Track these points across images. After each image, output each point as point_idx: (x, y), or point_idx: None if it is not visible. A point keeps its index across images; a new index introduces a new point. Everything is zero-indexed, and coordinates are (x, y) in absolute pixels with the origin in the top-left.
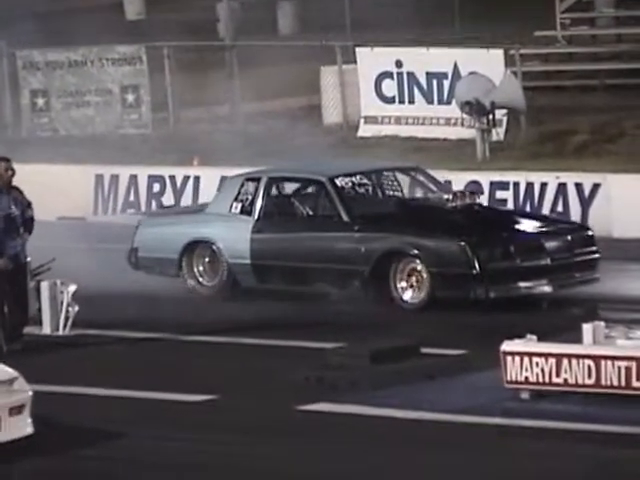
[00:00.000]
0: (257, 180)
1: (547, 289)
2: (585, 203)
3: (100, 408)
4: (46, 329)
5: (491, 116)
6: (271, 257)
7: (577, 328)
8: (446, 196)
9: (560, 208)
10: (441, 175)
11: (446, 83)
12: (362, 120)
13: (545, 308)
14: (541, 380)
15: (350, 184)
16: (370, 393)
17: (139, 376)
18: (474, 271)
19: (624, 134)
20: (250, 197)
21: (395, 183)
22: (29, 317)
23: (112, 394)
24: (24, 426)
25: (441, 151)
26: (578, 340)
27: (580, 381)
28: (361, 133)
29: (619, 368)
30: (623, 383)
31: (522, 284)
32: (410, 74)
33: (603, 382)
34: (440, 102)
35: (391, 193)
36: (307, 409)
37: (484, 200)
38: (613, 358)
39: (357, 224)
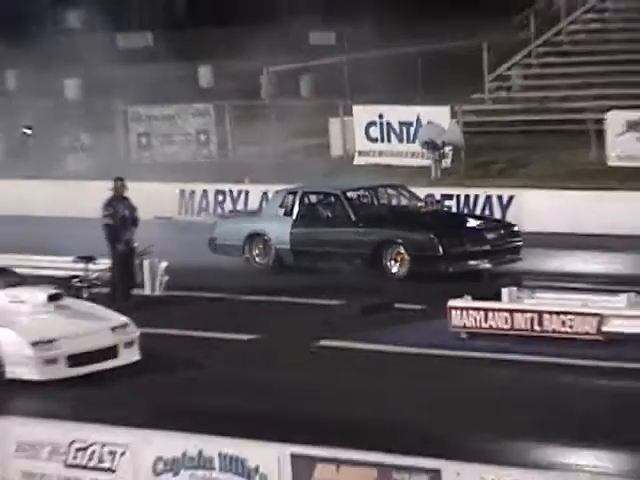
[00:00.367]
0: (294, 193)
1: (487, 266)
2: (504, 208)
3: (182, 344)
4: (147, 291)
5: (441, 151)
6: (304, 244)
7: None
8: (420, 204)
9: (487, 212)
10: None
11: (412, 129)
12: (357, 153)
13: (485, 279)
14: (474, 325)
15: (356, 196)
16: (360, 334)
17: (209, 322)
18: (439, 254)
19: (531, 163)
20: (290, 204)
21: (386, 195)
22: (135, 283)
23: (191, 334)
24: (134, 355)
25: (408, 174)
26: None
27: (500, 326)
28: (356, 162)
29: (526, 318)
30: (529, 327)
31: (471, 262)
32: (388, 123)
33: (516, 326)
34: (408, 141)
35: (383, 202)
36: (319, 345)
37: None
38: (522, 311)
39: (361, 222)
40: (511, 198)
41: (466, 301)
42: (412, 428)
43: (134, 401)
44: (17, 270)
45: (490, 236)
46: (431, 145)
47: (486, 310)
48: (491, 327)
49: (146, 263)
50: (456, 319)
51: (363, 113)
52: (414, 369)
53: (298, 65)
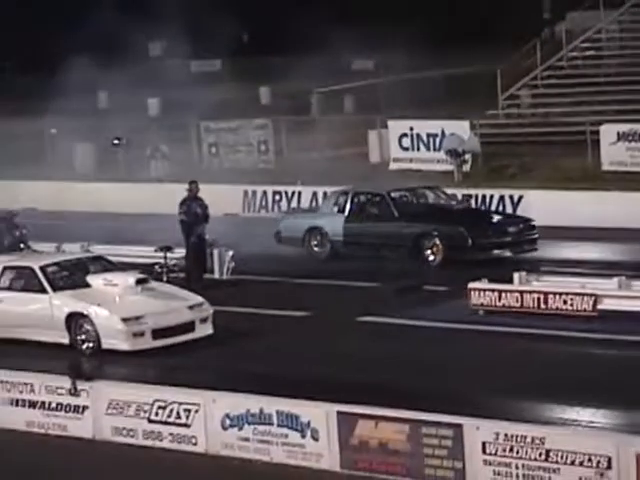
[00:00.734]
0: (346, 193)
1: (509, 254)
2: (515, 206)
3: (248, 319)
4: (216, 275)
5: (462, 158)
6: (354, 237)
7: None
8: (452, 202)
9: (500, 209)
10: None
11: (437, 139)
12: (391, 160)
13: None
14: (490, 304)
15: (398, 195)
16: (394, 311)
17: (270, 301)
18: (468, 244)
19: (537, 168)
20: (343, 203)
21: (424, 195)
22: (207, 269)
23: (255, 311)
24: (208, 329)
25: (435, 178)
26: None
27: (512, 304)
28: (391, 167)
29: (533, 297)
30: (536, 305)
31: (495, 251)
32: (418, 134)
33: (525, 305)
34: (434, 150)
35: (421, 200)
36: (361, 320)
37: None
38: (530, 292)
39: (403, 218)
40: (520, 197)
41: (483, 283)
42: (438, 390)
43: (207, 367)
44: (110, 258)
45: (511, 229)
46: (453, 153)
47: (500, 291)
48: (504, 305)
49: (215, 252)
50: (475, 298)
51: (396, 126)
52: (439, 341)
53: (342, 86)
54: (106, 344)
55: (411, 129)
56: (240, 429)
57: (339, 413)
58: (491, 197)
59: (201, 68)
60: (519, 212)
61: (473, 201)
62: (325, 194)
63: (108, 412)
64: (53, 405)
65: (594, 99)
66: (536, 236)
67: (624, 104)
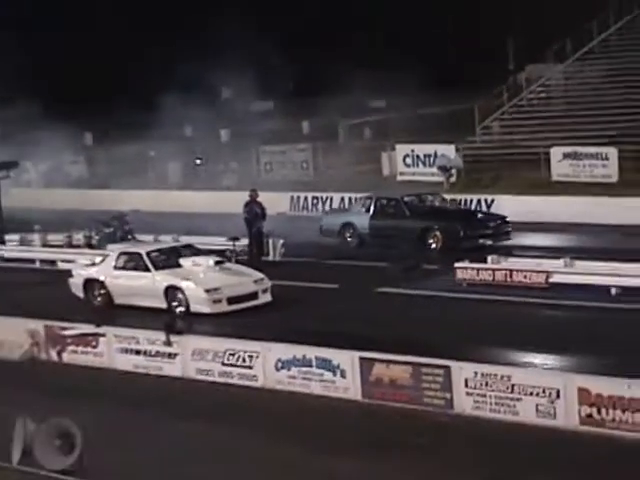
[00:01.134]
0: (371, 198)
1: (490, 243)
2: (488, 207)
3: (295, 290)
4: (270, 258)
5: (450, 172)
6: (377, 230)
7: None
8: (448, 204)
9: (479, 209)
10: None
11: (431, 158)
12: (398, 174)
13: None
14: (471, 278)
15: (409, 199)
16: (402, 284)
17: (312, 276)
18: (461, 235)
19: (504, 179)
20: (368, 205)
21: (428, 199)
22: (264, 253)
23: (300, 284)
24: (267, 297)
25: (430, 187)
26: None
27: (487, 279)
28: (398, 179)
29: (502, 273)
30: (504, 279)
31: (480, 241)
32: (417, 155)
33: (496, 279)
34: (429, 166)
35: (426, 203)
36: (375, 290)
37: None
38: (499, 269)
39: (412, 216)
40: (493, 201)
41: (465, 263)
42: (432, 340)
43: (266, 325)
44: (196, 245)
45: (492, 224)
46: (443, 168)
47: (478, 269)
48: (481, 279)
49: (270, 240)
50: (459, 274)
51: (402, 149)
52: (433, 305)
53: (362, 120)
54: (193, 308)
55: (412, 151)
56: (288, 370)
57: (361, 358)
58: (471, 200)
59: (259, 107)
60: (493, 211)
61: (458, 203)
62: (350, 199)
63: (193, 357)
64: (153, 352)
65: (546, 129)
66: (510, 229)
67: (568, 132)
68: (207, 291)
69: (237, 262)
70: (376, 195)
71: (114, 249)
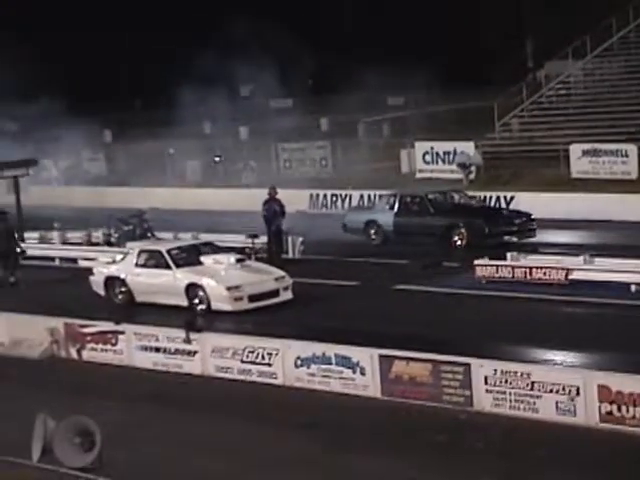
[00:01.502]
0: (395, 195)
1: (515, 239)
2: (507, 204)
3: (315, 287)
4: (290, 255)
5: (469, 169)
6: (401, 227)
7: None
8: (472, 201)
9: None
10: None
11: (451, 156)
12: (417, 171)
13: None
14: (490, 275)
15: (433, 197)
16: (420, 281)
17: (330, 274)
18: (485, 232)
19: (524, 176)
20: (392, 202)
21: (452, 196)
22: (283, 250)
23: (319, 282)
24: (288, 295)
25: (449, 184)
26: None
27: (506, 276)
28: (417, 176)
29: (522, 270)
30: (523, 276)
31: (505, 237)
32: (436, 152)
33: (515, 276)
34: (449, 163)
35: (450, 200)
36: (396, 288)
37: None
38: (518, 266)
39: (437, 214)
40: (512, 198)
41: (485, 260)
42: (452, 338)
43: (286, 323)
44: (216, 243)
45: (517, 221)
46: (462, 165)
47: (497, 266)
48: (500, 276)
49: (290, 238)
50: (479, 271)
51: (421, 146)
52: (453, 302)
53: (381, 117)
54: (214, 306)
55: (432, 148)
56: (308, 367)
57: (380, 355)
58: (490, 197)
59: (278, 105)
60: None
61: (482, 201)
62: (369, 196)
63: (212, 355)
64: (172, 350)
65: (565, 126)
66: (535, 226)
67: (587, 129)
68: (228, 289)
69: (256, 260)
70: (400, 192)
71: (133, 247)
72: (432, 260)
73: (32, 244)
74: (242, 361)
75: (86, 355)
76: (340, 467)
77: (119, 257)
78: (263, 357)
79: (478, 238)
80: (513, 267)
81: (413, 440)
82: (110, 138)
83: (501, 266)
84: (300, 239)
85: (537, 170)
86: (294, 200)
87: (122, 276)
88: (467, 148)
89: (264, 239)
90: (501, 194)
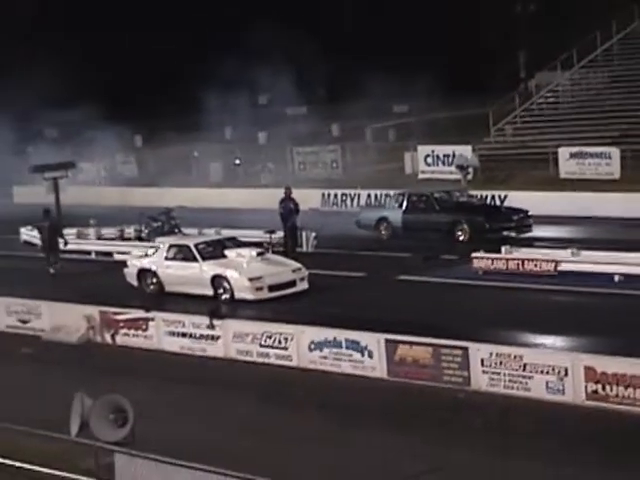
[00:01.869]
0: (404, 194)
1: (513, 234)
2: (502, 202)
3: (327, 278)
4: (304, 249)
5: (467, 170)
6: (409, 223)
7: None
8: (474, 199)
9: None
10: None
11: (450, 158)
12: (420, 172)
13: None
14: (486, 267)
15: (439, 195)
16: (421, 272)
17: (341, 266)
18: (486, 228)
19: (516, 176)
20: (401, 200)
21: (455, 194)
22: (297, 245)
23: (331, 273)
24: (304, 285)
25: (450, 184)
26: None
27: (500, 267)
28: (419, 177)
29: (515, 262)
30: (516, 268)
31: (504, 232)
32: (437, 155)
33: (509, 267)
34: (448, 165)
35: (454, 199)
36: (399, 278)
37: None
38: (512, 259)
39: (442, 211)
40: (506, 196)
41: (481, 253)
42: (450, 323)
43: (301, 310)
44: (239, 238)
45: (514, 217)
46: (461, 167)
47: (492, 258)
48: (495, 268)
49: (304, 233)
50: (476, 263)
51: (423, 150)
52: (451, 292)
53: (387, 123)
54: (237, 295)
55: (433, 151)
56: (321, 350)
57: (386, 340)
58: (486, 196)
59: (293, 112)
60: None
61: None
62: (376, 195)
63: (234, 339)
64: (197, 335)
65: (554, 130)
66: (532, 222)
67: (574, 134)
68: (250, 280)
69: (273, 253)
70: (408, 192)
71: (163, 241)
72: (432, 253)
73: (70, 239)
74: (261, 345)
75: (119, 340)
76: (349, 441)
77: (151, 251)
78: (280, 341)
79: (479, 233)
80: (507, 259)
81: (416, 417)
82: (141, 143)
83: (496, 258)
84: (313, 234)
85: (529, 171)
86: (307, 199)
87: (153, 268)
88: (465, 151)
89: (280, 234)
90: (496, 193)
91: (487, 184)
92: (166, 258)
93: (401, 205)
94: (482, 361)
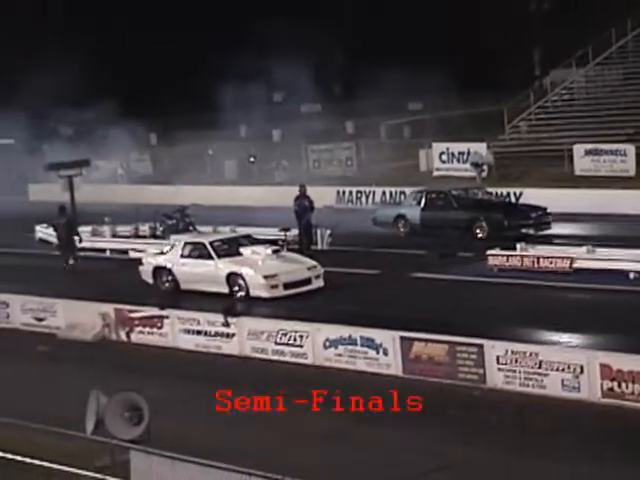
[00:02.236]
0: (422, 192)
1: (532, 232)
2: (517, 199)
3: (342, 276)
4: (319, 247)
5: (481, 168)
6: (427, 221)
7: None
8: (493, 197)
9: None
10: None
11: (465, 155)
12: (434, 169)
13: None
14: (501, 264)
15: (457, 193)
16: (437, 269)
17: (356, 263)
18: (505, 225)
19: (531, 173)
20: (419, 198)
21: (473, 192)
22: (312, 242)
23: (345, 270)
24: (320, 283)
25: (465, 181)
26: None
27: (515, 264)
28: (434, 175)
29: (530, 260)
30: (532, 265)
31: (522, 230)
32: (452, 152)
33: (524, 265)
34: (463, 162)
35: (472, 196)
36: (414, 276)
37: None
38: (527, 256)
39: (460, 208)
40: (521, 193)
41: (496, 251)
42: (466, 320)
43: (317, 308)
44: (254, 235)
45: (533, 215)
46: (475, 165)
47: (507, 255)
48: (510, 265)
49: (319, 231)
50: (491, 261)
51: (438, 147)
52: (466, 289)
53: (401, 120)
54: (253, 293)
55: (447, 149)
56: (336, 348)
57: (401, 337)
58: (501, 193)
59: (308, 109)
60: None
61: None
62: (391, 192)
63: (249, 337)
64: (212, 333)
65: (569, 128)
66: (550, 219)
67: (589, 131)
68: (265, 277)
69: (288, 250)
70: (427, 189)
71: (179, 239)
72: (448, 250)
73: (85, 237)
74: (276, 343)
75: (134, 338)
76: (366, 438)
77: (166, 249)
78: (295, 339)
79: (498, 231)
80: (522, 257)
81: (432, 414)
82: (155, 140)
83: (511, 256)
84: (328, 231)
85: (543, 168)
86: (322, 196)
87: (169, 266)
88: (480, 148)
89: (295, 232)
90: (511, 190)
91: (502, 181)
92: (181, 256)
93: (419, 202)
94: (497, 358)
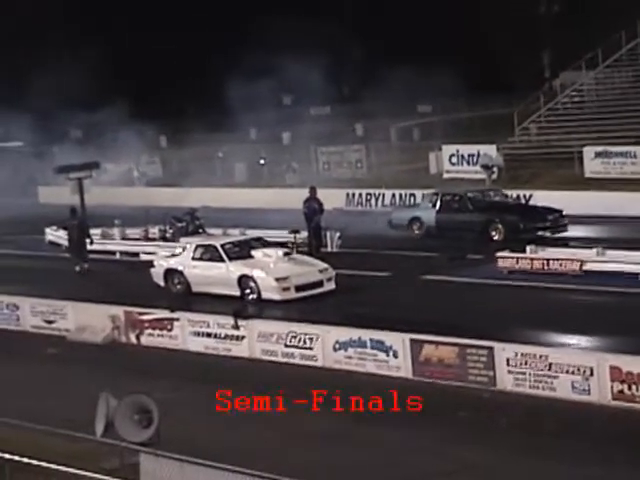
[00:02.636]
0: (437, 194)
1: (548, 234)
2: (527, 202)
3: (351, 278)
4: (329, 249)
5: (492, 170)
6: (442, 223)
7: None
8: (509, 199)
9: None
10: None
11: (475, 157)
12: (444, 172)
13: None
14: (511, 267)
15: (472, 195)
16: (447, 272)
17: (366, 265)
18: (520, 228)
19: (541, 175)
20: (434, 200)
21: (489, 194)
22: (322, 244)
23: (355, 273)
24: (331, 285)
25: (475, 183)
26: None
27: (525, 267)
28: (444, 177)
29: (540, 262)
30: (541, 267)
31: (539, 232)
32: (462, 155)
33: (534, 267)
34: (473, 165)
35: (487, 198)
36: (423, 278)
37: None
38: (537, 258)
39: (476, 211)
40: (531, 195)
41: (506, 253)
42: (475, 323)
43: (328, 310)
44: (265, 238)
45: (549, 217)
46: (485, 167)
47: (517, 258)
48: (520, 268)
49: (328, 233)
50: (500, 263)
51: (448, 149)
52: (476, 291)
53: (411, 122)
54: (264, 295)
55: (457, 151)
56: (345, 350)
57: (411, 340)
58: (511, 195)
59: (317, 112)
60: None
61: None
62: (401, 195)
63: (258, 339)
64: (222, 335)
65: (579, 130)
66: (566, 222)
67: (599, 133)
68: (277, 280)
69: (298, 253)
70: (442, 191)
71: (190, 241)
72: (458, 253)
73: (95, 240)
74: (286, 345)
75: (144, 340)
76: (373, 439)
77: (178, 251)
78: (305, 341)
79: (513, 233)
80: (532, 259)
81: (442, 416)
82: (165, 143)
83: (521, 258)
84: (337, 234)
85: (553, 170)
86: (332, 199)
87: (180, 268)
88: (490, 151)
89: (305, 234)
90: (520, 192)
91: (512, 183)
92: (193, 258)
93: (434, 205)
94: (507, 361)
